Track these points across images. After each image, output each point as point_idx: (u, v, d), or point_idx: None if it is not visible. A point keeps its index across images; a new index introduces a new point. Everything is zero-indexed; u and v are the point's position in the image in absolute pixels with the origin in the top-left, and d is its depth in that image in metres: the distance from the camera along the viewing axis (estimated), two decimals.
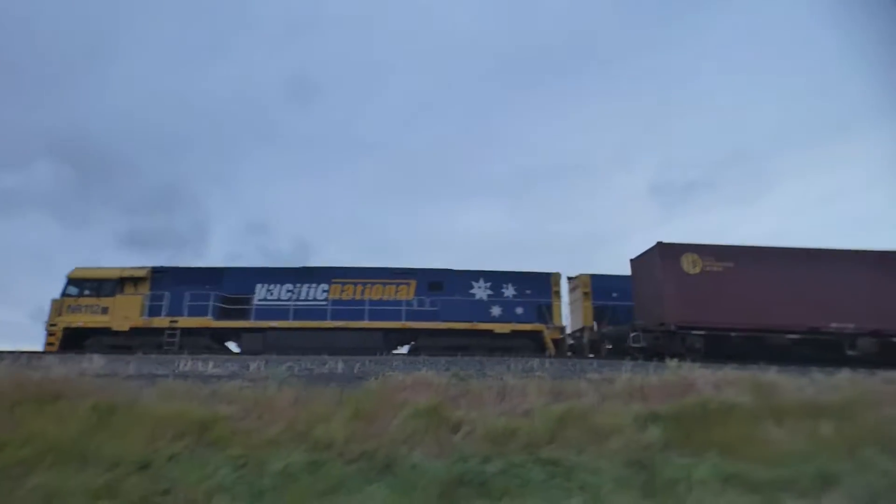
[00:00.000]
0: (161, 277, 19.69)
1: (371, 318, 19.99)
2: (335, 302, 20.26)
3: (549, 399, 10.86)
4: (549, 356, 18.85)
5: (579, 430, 9.11)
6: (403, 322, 19.97)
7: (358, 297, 20.33)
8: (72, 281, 19.37)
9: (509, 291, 21.03)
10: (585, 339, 21.49)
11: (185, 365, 13.77)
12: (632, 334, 18.54)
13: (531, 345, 20.26)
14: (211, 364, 13.76)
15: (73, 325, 18.79)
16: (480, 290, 20.90)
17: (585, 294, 22.36)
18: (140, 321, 18.95)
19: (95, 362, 13.24)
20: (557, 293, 21.46)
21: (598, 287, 22.51)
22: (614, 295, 22.23)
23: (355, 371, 13.55)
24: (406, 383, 11.47)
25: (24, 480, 7.63)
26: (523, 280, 21.41)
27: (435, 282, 20.92)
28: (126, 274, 19.47)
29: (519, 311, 20.88)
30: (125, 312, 18.86)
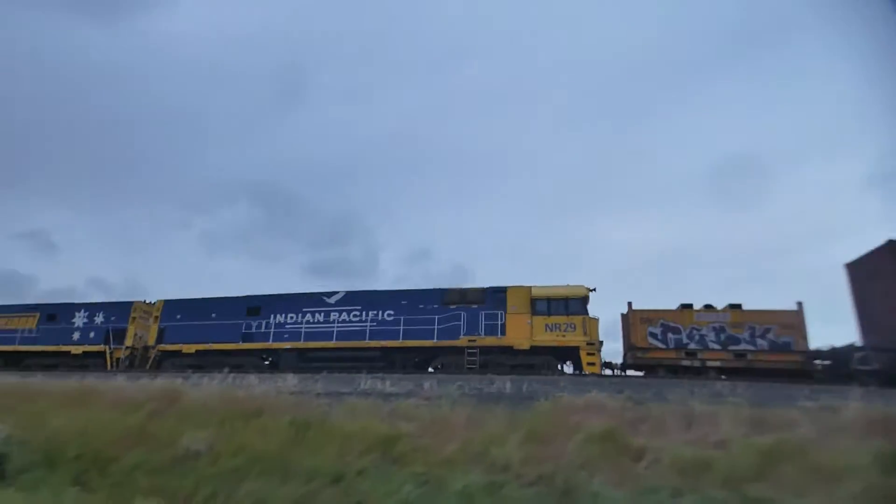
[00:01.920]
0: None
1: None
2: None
3: (749, 429, 9.45)
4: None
5: (795, 468, 7.70)
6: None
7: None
8: None
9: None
10: None
11: (366, 383, 14.97)
12: (858, 354, 15.32)
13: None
14: (388, 382, 14.77)
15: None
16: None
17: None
18: None
19: (289, 381, 15.04)
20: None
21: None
22: None
23: (524, 391, 13.39)
24: (578, 405, 10.98)
25: (238, 487, 8.87)
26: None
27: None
28: None
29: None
30: None
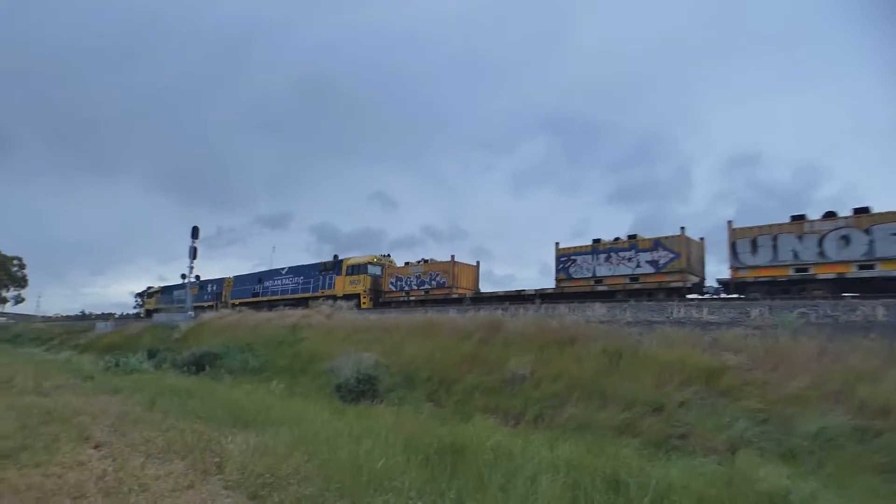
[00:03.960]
0: None
1: None
2: None
3: None
4: None
5: None
6: None
7: None
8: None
9: None
10: None
11: (679, 311, 13.82)
12: None
13: None
14: (706, 310, 13.30)
15: None
16: None
17: None
18: None
19: (597, 311, 15.02)
20: None
21: None
22: None
23: None
24: None
25: (560, 410, 9.37)
26: None
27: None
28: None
29: None
30: None
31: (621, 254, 20.50)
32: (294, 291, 33.93)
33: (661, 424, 8.29)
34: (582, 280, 21.49)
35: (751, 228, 17.29)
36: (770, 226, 17.02)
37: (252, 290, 37.79)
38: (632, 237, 20.81)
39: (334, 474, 4.87)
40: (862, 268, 15.12)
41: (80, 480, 4.74)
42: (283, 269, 36.70)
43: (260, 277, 37.85)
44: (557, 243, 22.70)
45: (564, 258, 22.14)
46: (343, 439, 6.26)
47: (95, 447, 6.11)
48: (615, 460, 5.49)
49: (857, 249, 15.25)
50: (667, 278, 19.18)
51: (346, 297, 28.47)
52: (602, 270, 20.82)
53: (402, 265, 29.92)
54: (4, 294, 71.14)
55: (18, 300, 73.73)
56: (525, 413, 9.66)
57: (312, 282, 32.78)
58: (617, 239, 21.10)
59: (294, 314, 22.67)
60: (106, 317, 50.63)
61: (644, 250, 20.00)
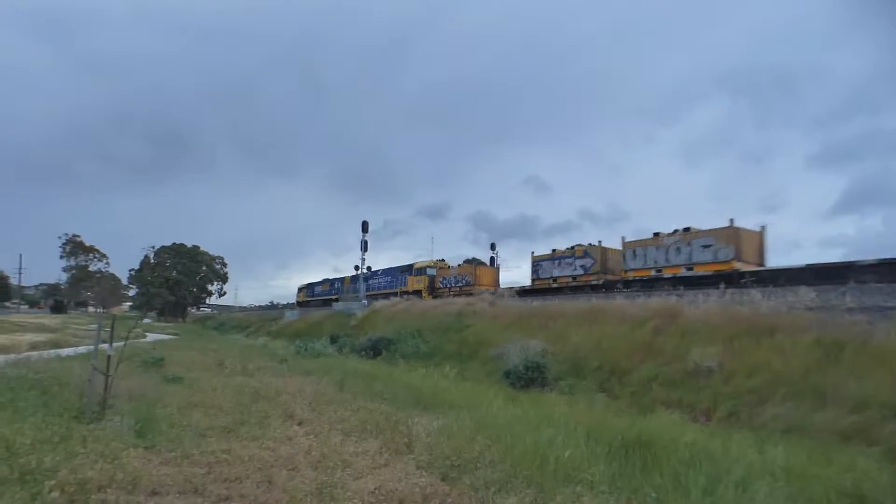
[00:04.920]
0: None
1: None
2: None
3: None
4: None
5: None
6: None
7: None
8: None
9: None
10: None
11: None
12: None
13: None
14: None
15: None
16: None
17: None
18: None
19: (803, 295, 12.55)
20: None
21: None
22: None
23: None
24: None
25: (762, 408, 8.11)
26: None
27: None
28: None
29: None
30: None
31: (566, 260, 27.34)
32: (386, 287, 41.10)
33: None
34: (546, 279, 28.01)
35: (633, 242, 23.47)
36: (643, 240, 23.11)
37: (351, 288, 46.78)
38: (576, 247, 27.35)
39: (519, 461, 4.84)
40: (688, 269, 20.83)
41: (290, 454, 5.31)
42: (378, 271, 45.43)
43: (366, 277, 45.38)
44: (533, 252, 29.36)
45: (535, 264, 28.90)
46: (522, 426, 6.22)
47: (299, 424, 6.90)
48: (852, 471, 4.55)
49: (684, 257, 21.05)
50: (590, 278, 25.57)
51: (415, 293, 35.77)
52: (556, 272, 27.70)
53: (448, 267, 38.23)
54: (210, 288, 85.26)
55: (221, 293, 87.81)
56: (715, 409, 8.65)
57: (397, 280, 39.98)
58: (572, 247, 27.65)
59: (458, 301, 23.52)
60: (292, 306, 58.61)
61: (579, 257, 26.65)
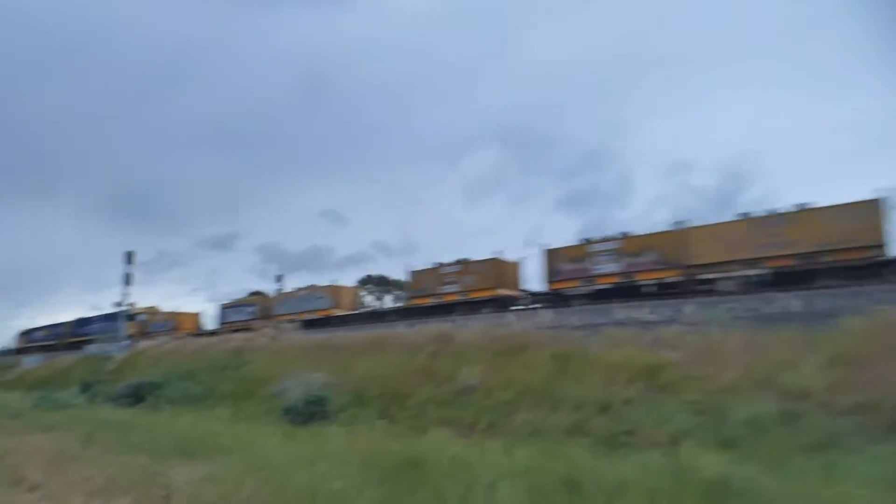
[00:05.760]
0: None
1: None
2: None
3: None
4: None
5: None
6: None
7: None
8: None
9: None
10: None
11: (621, 313, 14.50)
12: None
13: None
14: (646, 310, 14.03)
15: None
16: None
17: None
18: None
19: (545, 317, 15.49)
20: None
21: None
22: None
23: (820, 309, 11.08)
24: None
25: (513, 416, 9.53)
26: None
27: None
28: None
29: None
30: None
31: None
32: (104, 332, 37.56)
33: (608, 423, 8.65)
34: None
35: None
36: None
37: (74, 333, 44.46)
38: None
39: (291, 499, 4.75)
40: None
41: None
42: (98, 315, 43.33)
43: (82, 322, 44.90)
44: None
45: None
46: (296, 463, 6.11)
47: (31, 490, 5.64)
48: (569, 461, 5.68)
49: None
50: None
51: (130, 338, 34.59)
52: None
53: (157, 313, 41.79)
54: None
55: None
56: (478, 422, 9.78)
57: (116, 325, 36.32)
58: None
59: (237, 337, 21.84)
60: (32, 350, 47.43)
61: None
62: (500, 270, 23.87)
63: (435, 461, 5.85)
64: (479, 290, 23.76)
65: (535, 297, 23.46)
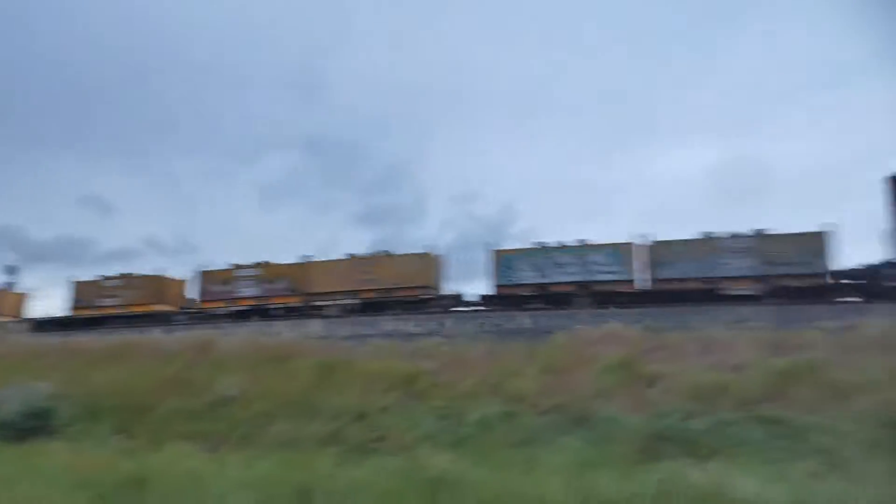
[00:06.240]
0: None
1: None
2: None
3: (767, 352, 9.44)
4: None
5: (809, 387, 7.71)
6: None
7: None
8: None
9: None
10: None
11: (389, 325, 15.47)
12: (890, 271, 14.86)
13: None
14: (412, 323, 15.22)
15: None
16: None
17: None
18: None
19: (315, 326, 15.68)
20: None
21: None
22: None
23: (541, 326, 13.61)
24: (595, 337, 11.12)
25: (269, 428, 9.37)
26: None
27: None
28: None
29: None
30: None
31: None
32: None
33: (363, 430, 9.13)
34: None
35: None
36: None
37: None
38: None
39: None
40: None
41: None
42: None
43: None
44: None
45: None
46: None
47: None
48: (309, 470, 5.88)
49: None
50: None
51: None
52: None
53: None
54: None
55: None
56: (231, 435, 9.33)
57: None
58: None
59: None
60: None
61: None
62: (162, 287, 25.79)
63: (165, 478, 5.45)
64: (139, 304, 25.20)
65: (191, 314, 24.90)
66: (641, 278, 18.76)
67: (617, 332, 11.14)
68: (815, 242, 17.40)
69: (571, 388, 9.29)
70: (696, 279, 18.10)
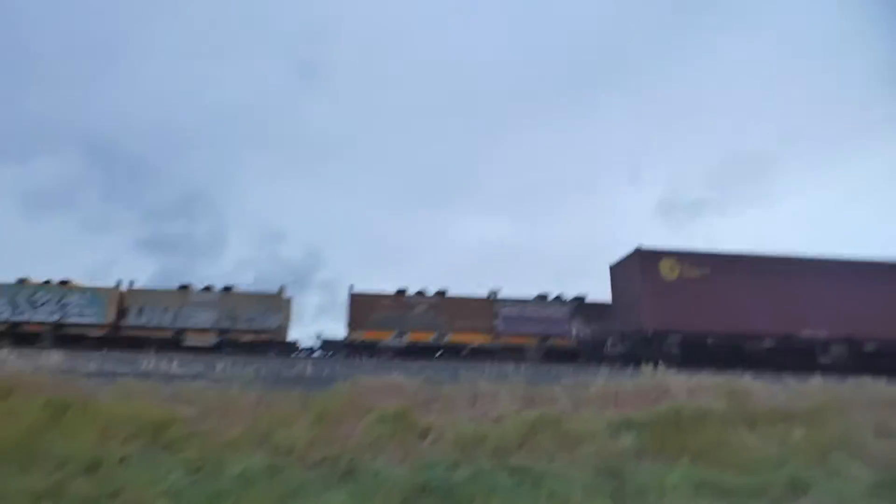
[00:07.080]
0: None
1: None
2: None
3: (522, 405, 10.63)
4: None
5: (550, 436, 8.87)
6: None
7: None
8: None
9: None
10: None
11: (149, 364, 13.25)
12: (610, 340, 18.46)
13: None
14: (175, 363, 13.27)
15: None
16: None
17: None
18: None
19: (53, 358, 12.71)
20: None
21: None
22: None
23: (324, 374, 13.17)
24: (375, 387, 11.15)
25: None
26: None
27: None
28: None
29: None
30: None
31: None
32: None
33: (92, 484, 7.44)
34: None
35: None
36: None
37: None
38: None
39: None
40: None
41: None
42: None
43: None
44: None
45: None
46: None
47: None
48: None
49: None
50: None
51: None
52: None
53: None
54: None
55: None
56: None
57: None
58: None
59: None
60: None
61: None
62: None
63: None
64: None
65: None
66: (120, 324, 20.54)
67: (398, 383, 11.37)
68: (274, 302, 21.42)
69: (344, 439, 9.04)
70: (164, 328, 20.35)
